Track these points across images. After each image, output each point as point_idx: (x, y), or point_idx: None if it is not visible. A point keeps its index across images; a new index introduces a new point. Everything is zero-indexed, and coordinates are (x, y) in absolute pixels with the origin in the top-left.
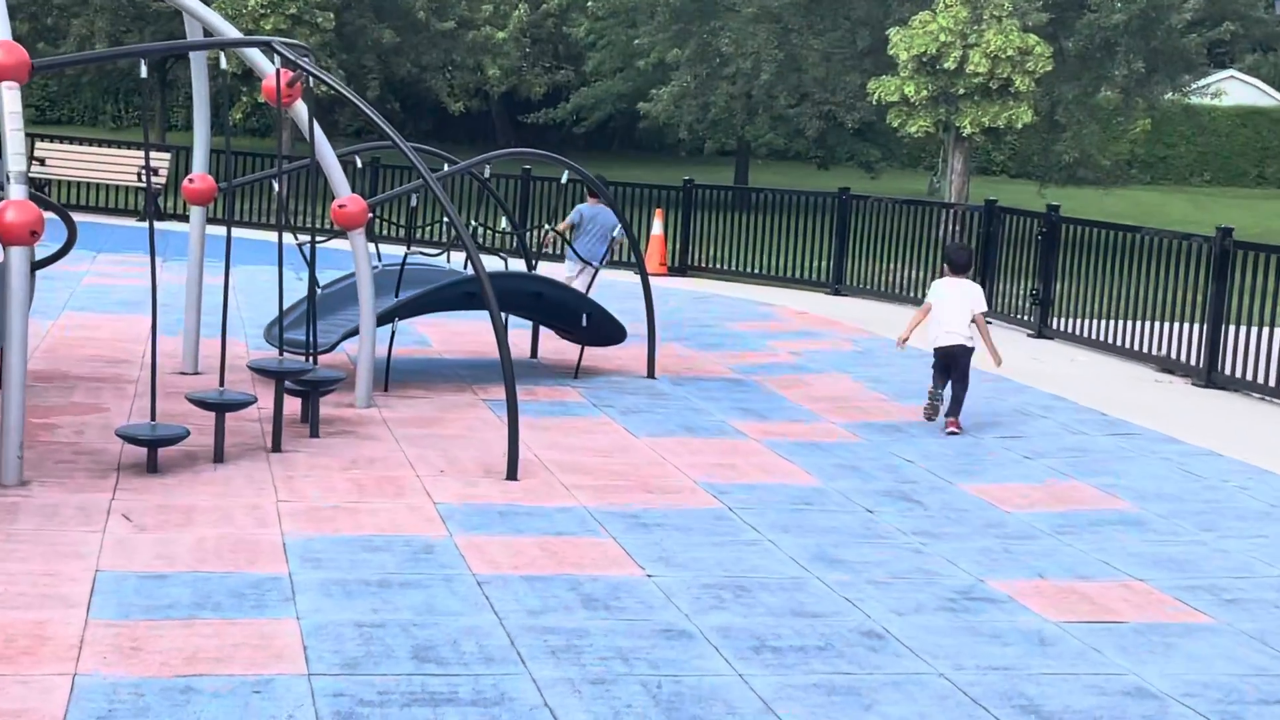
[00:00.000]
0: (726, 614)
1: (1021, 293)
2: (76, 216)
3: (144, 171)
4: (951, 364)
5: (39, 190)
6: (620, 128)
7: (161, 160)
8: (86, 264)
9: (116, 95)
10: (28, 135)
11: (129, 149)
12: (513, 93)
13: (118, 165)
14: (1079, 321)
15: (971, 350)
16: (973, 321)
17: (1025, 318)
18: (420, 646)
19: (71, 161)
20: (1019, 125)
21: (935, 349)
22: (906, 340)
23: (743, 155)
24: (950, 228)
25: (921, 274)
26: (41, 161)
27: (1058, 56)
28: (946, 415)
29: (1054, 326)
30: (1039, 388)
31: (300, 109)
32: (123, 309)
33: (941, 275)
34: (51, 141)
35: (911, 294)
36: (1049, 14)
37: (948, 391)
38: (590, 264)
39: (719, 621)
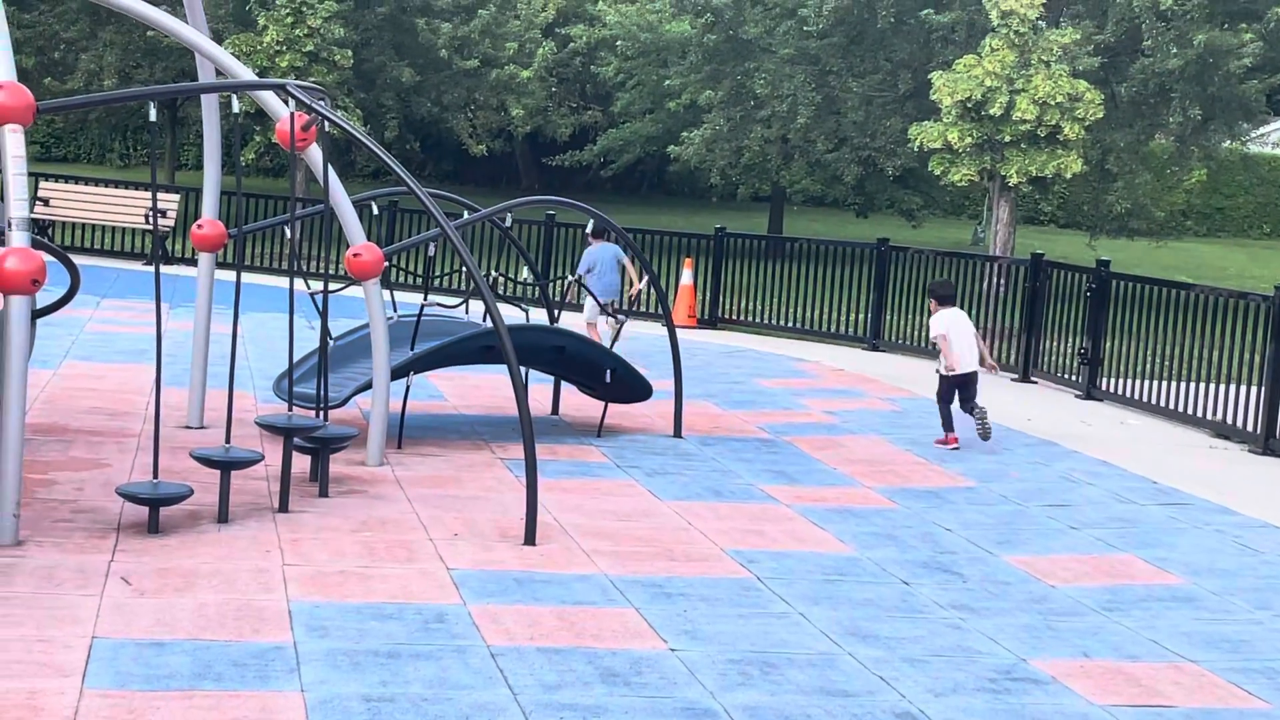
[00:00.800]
0: (753, 692)
1: (1069, 351)
2: (80, 259)
3: (151, 214)
4: (968, 386)
5: (41, 232)
6: (650, 171)
7: (170, 202)
8: (90, 310)
9: (125, 133)
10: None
11: (136, 189)
12: (538, 134)
13: (124, 206)
14: (1130, 382)
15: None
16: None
17: (1073, 378)
18: None
19: (76, 202)
20: (1068, 175)
21: (958, 375)
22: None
23: (778, 201)
24: (995, 281)
25: None
26: (45, 202)
27: (1110, 103)
28: (951, 433)
29: (1103, 387)
30: (1086, 452)
31: (315, 153)
32: (127, 358)
33: (935, 311)
34: (56, 181)
35: None
36: (1101, 58)
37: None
38: (613, 302)
39: (745, 700)
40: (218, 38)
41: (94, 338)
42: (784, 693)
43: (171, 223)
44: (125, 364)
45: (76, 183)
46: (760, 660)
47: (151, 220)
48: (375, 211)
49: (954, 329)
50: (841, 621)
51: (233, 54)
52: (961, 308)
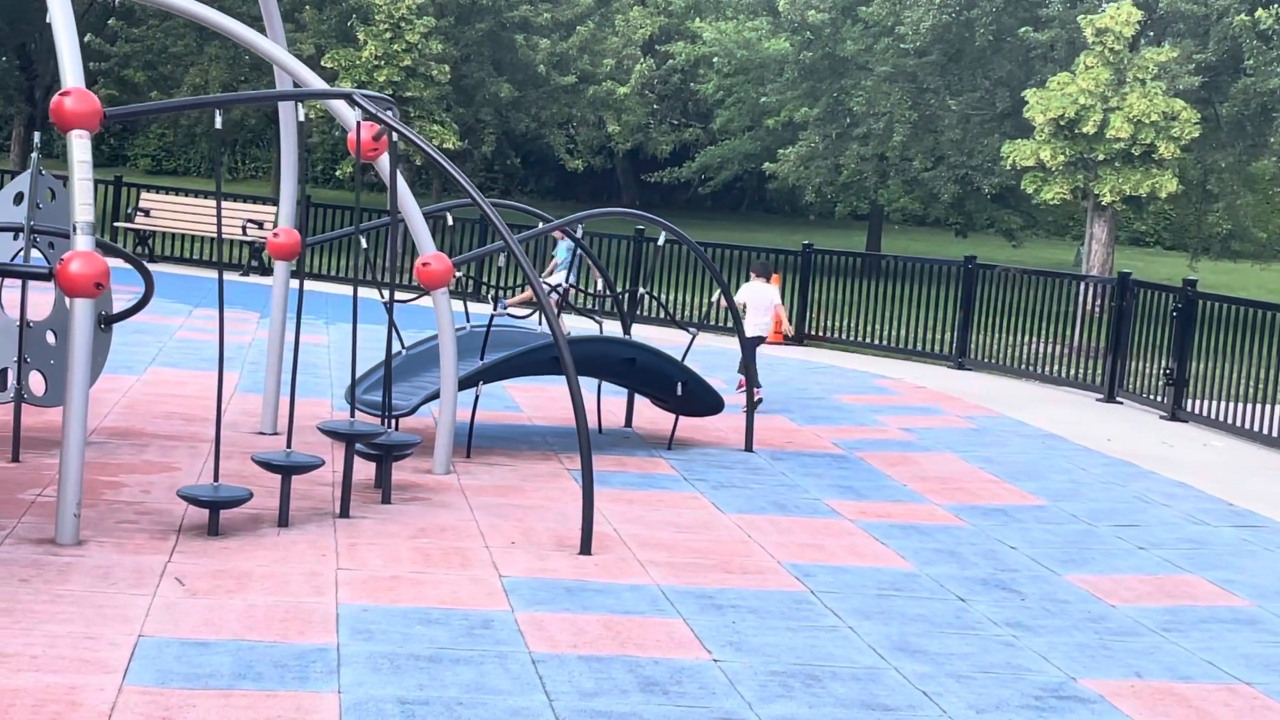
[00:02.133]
0: (792, 704)
1: (1155, 372)
2: (179, 270)
3: (246, 224)
4: (754, 348)
5: (142, 242)
6: (749, 189)
7: (267, 213)
8: (181, 319)
9: (233, 147)
10: (135, 186)
11: (235, 201)
12: (638, 150)
13: (224, 218)
14: (1216, 404)
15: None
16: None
17: (1158, 398)
18: None
19: (175, 213)
20: (1163, 194)
21: (751, 337)
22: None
23: (875, 220)
24: (1086, 300)
25: (1052, 348)
26: (146, 213)
27: (1211, 122)
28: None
29: (1188, 408)
30: (1163, 474)
31: (384, 164)
32: (212, 365)
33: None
34: (159, 193)
35: (1040, 369)
36: (1201, 77)
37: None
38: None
39: (782, 712)
40: (319, 53)
41: (181, 345)
42: (823, 706)
43: (267, 233)
44: (208, 371)
45: (182, 194)
46: (803, 673)
47: (217, 229)
48: (450, 223)
49: (751, 298)
50: (891, 636)
51: (331, 69)
52: (1049, 326)
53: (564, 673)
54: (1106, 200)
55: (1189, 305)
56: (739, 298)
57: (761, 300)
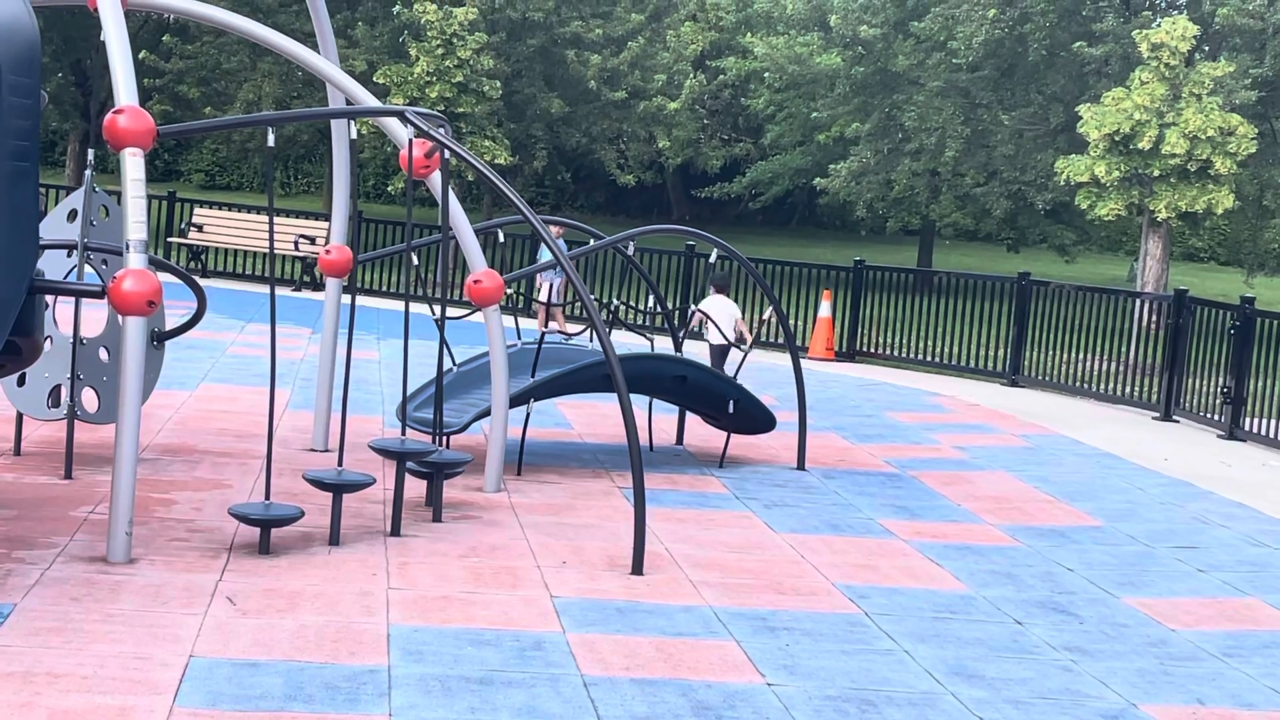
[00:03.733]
0: None
1: (1212, 390)
2: (231, 285)
3: (299, 240)
4: (721, 358)
5: (195, 258)
6: (800, 204)
7: (319, 229)
8: (234, 334)
9: (285, 163)
10: (188, 201)
11: (288, 217)
12: (689, 165)
13: (276, 233)
14: (1275, 423)
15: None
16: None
17: (1215, 417)
18: None
19: (228, 229)
20: (1219, 210)
21: (715, 345)
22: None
23: (927, 235)
24: (1141, 317)
25: (1107, 365)
26: (199, 228)
27: (1268, 137)
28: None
29: (1246, 427)
30: (1222, 494)
31: (436, 180)
32: (264, 382)
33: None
34: (213, 208)
35: (1095, 387)
36: (1259, 92)
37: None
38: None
39: None
40: (371, 69)
41: (234, 361)
42: None
43: (319, 249)
44: (260, 387)
45: (235, 210)
46: (858, 698)
47: (269, 246)
48: (501, 239)
49: (713, 311)
50: (947, 660)
51: (384, 84)
52: (1105, 343)
53: (616, 696)
54: (1162, 216)
55: (1247, 322)
56: (703, 306)
57: (723, 313)
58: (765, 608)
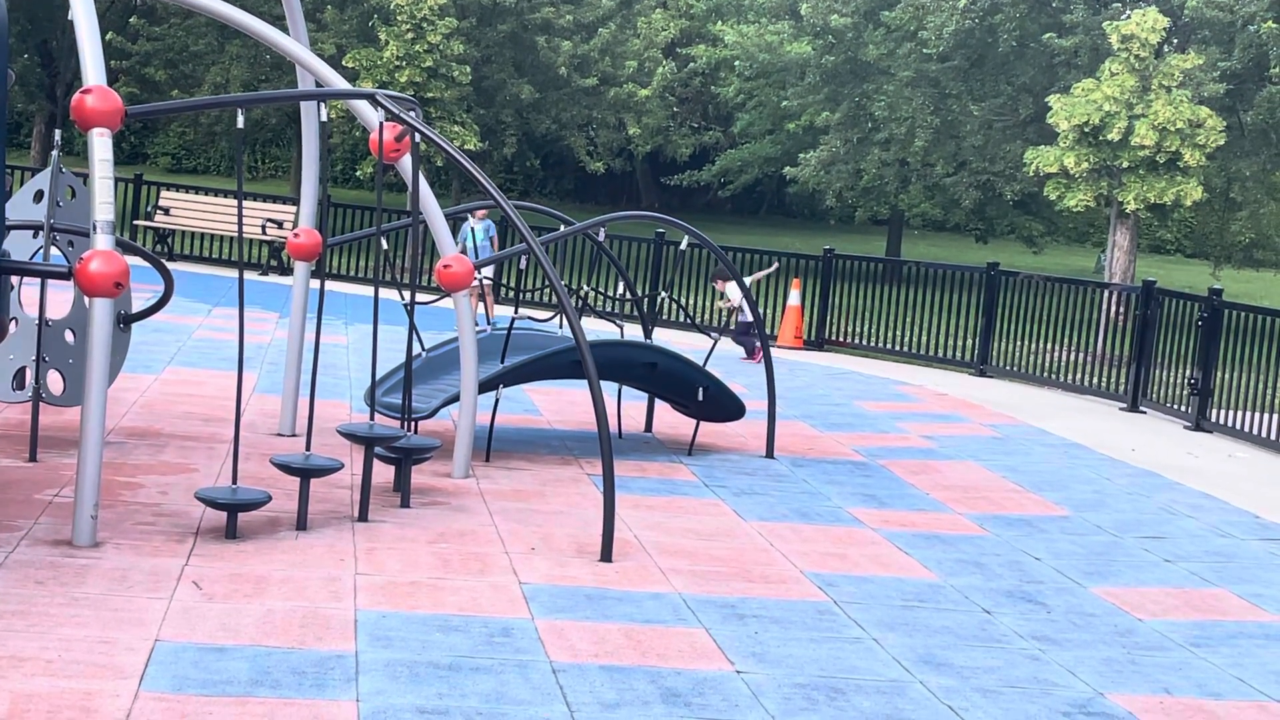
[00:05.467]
0: (816, 717)
1: (1179, 381)
2: (198, 269)
3: (266, 224)
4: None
5: (162, 241)
6: (769, 193)
7: (287, 213)
8: (200, 317)
9: (253, 146)
10: (155, 184)
11: (256, 200)
12: (658, 153)
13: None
14: (1241, 414)
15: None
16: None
17: (1182, 408)
18: None
19: (195, 212)
20: (1187, 202)
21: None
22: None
23: (896, 225)
24: (1109, 308)
25: (1075, 356)
26: (166, 211)
27: (1235, 130)
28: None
29: (1213, 419)
30: (1189, 485)
31: (406, 164)
32: (230, 365)
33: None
34: (179, 191)
35: (1063, 377)
36: (1226, 85)
37: None
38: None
39: None
40: (341, 53)
41: (201, 344)
42: None
43: (287, 233)
44: (227, 371)
45: (202, 193)
46: (827, 686)
47: (238, 228)
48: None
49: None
50: (916, 649)
51: (353, 68)
52: (1072, 334)
53: (585, 683)
54: (1130, 208)
55: (1214, 314)
56: (730, 295)
57: (739, 295)
58: (734, 595)
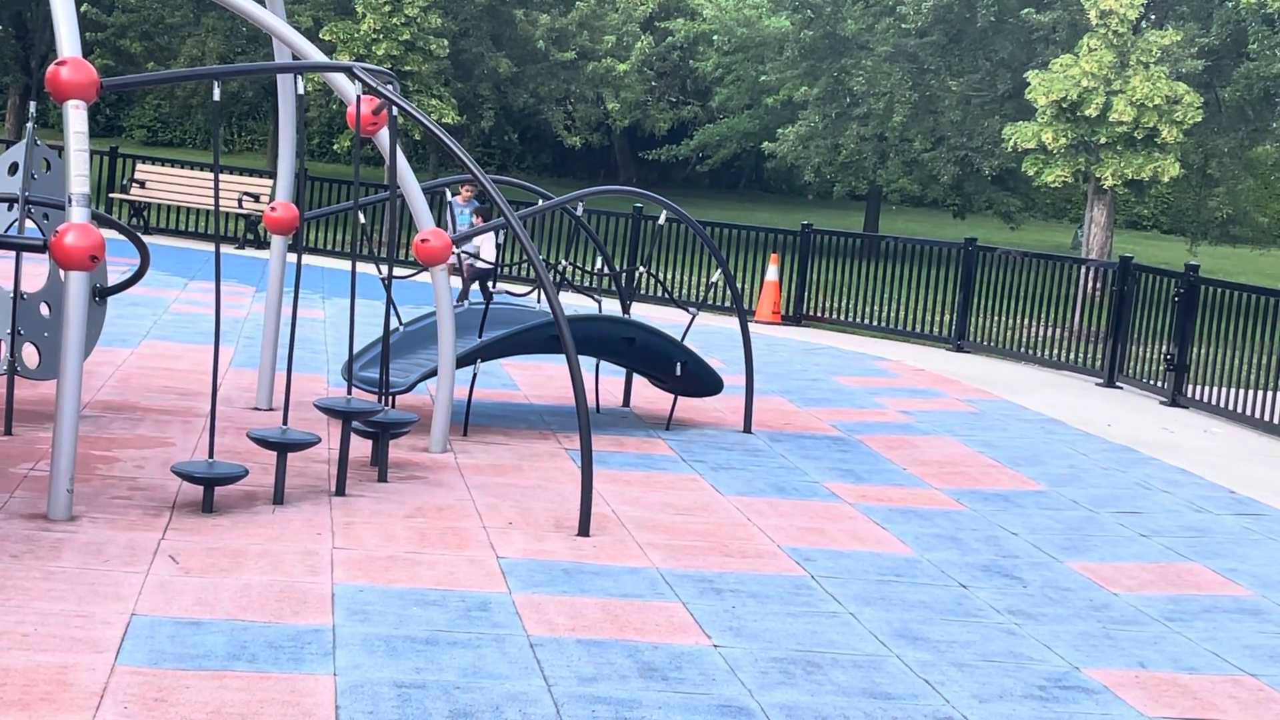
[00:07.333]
0: (793, 691)
1: (1155, 357)
2: (174, 242)
3: (243, 197)
4: None
5: (138, 214)
6: (747, 167)
7: (263, 186)
8: (176, 291)
9: (230, 119)
10: (131, 157)
11: (232, 174)
12: (636, 128)
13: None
14: (1217, 390)
15: None
16: None
17: (1159, 384)
18: (459, 712)
19: (171, 185)
20: (1165, 178)
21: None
22: None
23: (874, 200)
24: (1086, 284)
25: (1052, 331)
26: (141, 184)
27: (1213, 106)
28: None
29: (1189, 394)
30: (1165, 460)
31: (384, 138)
32: (206, 339)
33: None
34: (155, 164)
35: (1039, 352)
36: (1204, 61)
37: None
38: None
39: (783, 699)
40: (317, 25)
41: (177, 318)
42: (824, 693)
43: (264, 206)
44: (203, 345)
45: (177, 166)
46: (804, 659)
47: (214, 202)
48: (451, 198)
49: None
50: (893, 623)
51: (330, 41)
52: (1050, 309)
53: (562, 657)
54: (1108, 184)
55: (1191, 290)
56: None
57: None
58: (711, 570)
